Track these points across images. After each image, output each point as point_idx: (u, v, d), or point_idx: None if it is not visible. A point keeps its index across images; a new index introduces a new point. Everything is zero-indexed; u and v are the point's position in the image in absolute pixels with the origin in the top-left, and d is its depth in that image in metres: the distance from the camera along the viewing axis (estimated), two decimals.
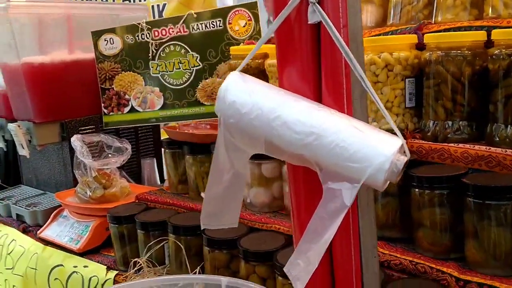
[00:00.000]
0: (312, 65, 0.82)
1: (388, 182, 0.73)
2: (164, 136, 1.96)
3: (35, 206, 1.91)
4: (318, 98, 0.81)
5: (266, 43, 1.55)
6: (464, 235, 1.00)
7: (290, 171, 0.84)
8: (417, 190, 1.07)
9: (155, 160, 2.12)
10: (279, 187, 1.36)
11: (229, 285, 1.08)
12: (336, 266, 0.88)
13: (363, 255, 0.84)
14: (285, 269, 0.80)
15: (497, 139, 1.07)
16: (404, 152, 0.72)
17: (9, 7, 1.74)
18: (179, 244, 1.31)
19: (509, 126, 1.07)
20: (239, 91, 0.78)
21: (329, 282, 0.88)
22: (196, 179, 1.54)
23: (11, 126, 1.91)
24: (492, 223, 0.94)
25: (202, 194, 1.52)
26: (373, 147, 0.70)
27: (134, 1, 4.14)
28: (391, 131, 0.77)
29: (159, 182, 2.09)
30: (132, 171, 2.08)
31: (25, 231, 1.84)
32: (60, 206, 1.81)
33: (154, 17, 4.77)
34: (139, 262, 1.37)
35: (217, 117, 1.53)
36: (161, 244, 1.38)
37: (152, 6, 4.82)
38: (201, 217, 0.85)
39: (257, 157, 1.06)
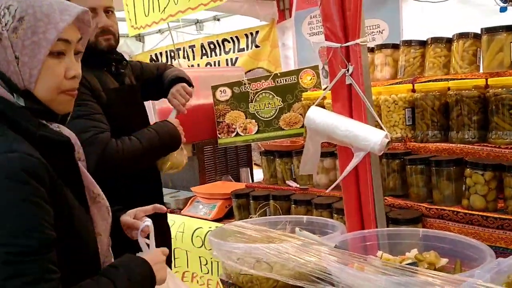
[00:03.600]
0: (347, 102, 1.78)
1: (383, 150, 1.66)
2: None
3: (174, 198, 2.95)
4: (350, 116, 1.77)
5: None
6: (431, 188, 1.92)
7: (339, 148, 1.80)
8: (408, 166, 2.00)
9: (248, 169, 3.13)
10: (334, 174, 2.32)
11: (309, 220, 2.04)
12: (362, 197, 1.80)
13: (375, 189, 1.77)
14: (328, 190, 1.75)
15: (452, 139, 1.99)
16: (387, 137, 1.66)
17: None
18: (277, 206, 2.29)
19: (459, 132, 1.98)
20: (315, 113, 1.76)
21: (358, 204, 1.81)
22: (282, 172, 2.52)
23: None
24: (442, 179, 1.86)
25: (287, 182, 2.49)
26: (374, 134, 1.65)
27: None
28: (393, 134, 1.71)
29: (250, 182, 3.09)
30: (233, 176, 3.11)
31: (171, 212, 2.87)
32: (193, 196, 2.83)
33: (228, 66, 5.89)
34: (252, 217, 2.34)
35: (293, 137, 2.62)
36: (264, 208, 2.36)
37: (227, 60, 5.97)
38: (300, 169, 1.83)
39: (321, 156, 2.02)
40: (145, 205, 1.89)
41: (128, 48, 6.20)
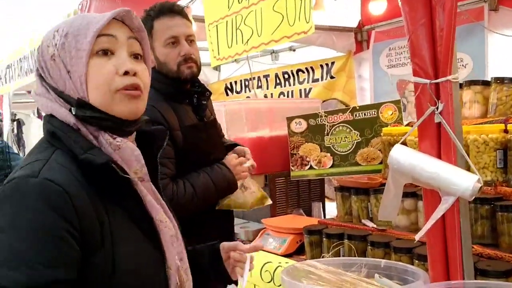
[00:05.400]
0: (435, 142, 1.67)
1: (474, 196, 1.53)
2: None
3: (244, 228, 2.91)
4: (438, 157, 1.66)
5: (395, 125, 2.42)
6: None
7: (424, 191, 1.69)
8: (499, 213, 1.84)
9: (321, 203, 3.04)
10: (415, 216, 2.18)
11: (387, 264, 1.92)
12: (448, 245, 1.67)
13: (463, 236, 1.63)
14: (416, 236, 1.63)
15: None
16: (479, 181, 1.53)
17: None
18: (352, 246, 2.18)
19: None
20: (400, 152, 1.67)
21: (444, 253, 1.68)
22: (358, 210, 2.42)
23: None
24: None
25: (363, 221, 2.38)
26: (465, 178, 1.52)
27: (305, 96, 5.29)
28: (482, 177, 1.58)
29: (323, 218, 2.99)
30: (305, 209, 3.03)
31: None
32: (263, 228, 2.78)
33: (301, 96, 5.86)
34: (324, 255, 2.25)
35: (370, 173, 2.50)
36: (338, 247, 2.26)
37: (300, 90, 5.96)
38: (379, 214, 1.73)
39: (402, 196, 1.90)
40: (215, 235, 1.87)
41: (205, 77, 6.36)
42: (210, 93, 2.06)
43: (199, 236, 1.54)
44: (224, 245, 1.36)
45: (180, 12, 1.95)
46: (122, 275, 1.00)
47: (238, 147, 2.11)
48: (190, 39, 1.96)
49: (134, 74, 1.07)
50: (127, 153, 1.08)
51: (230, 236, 2.22)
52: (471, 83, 2.33)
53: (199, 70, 1.99)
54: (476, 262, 1.75)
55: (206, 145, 1.98)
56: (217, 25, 2.67)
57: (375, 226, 2.28)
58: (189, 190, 1.88)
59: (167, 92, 1.93)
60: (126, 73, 1.05)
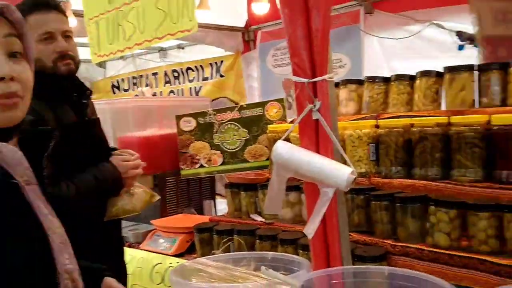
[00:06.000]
0: (314, 137, 1.77)
1: (349, 187, 1.65)
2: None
3: (133, 231, 2.85)
4: (317, 151, 1.76)
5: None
6: (396, 225, 1.92)
7: (305, 184, 1.78)
8: (373, 202, 1.99)
9: (212, 201, 3.07)
10: (299, 208, 2.29)
11: (274, 256, 1.99)
12: (328, 234, 1.78)
13: (341, 225, 1.75)
14: (304, 230, 1.72)
15: (415, 176, 2.01)
16: (353, 173, 1.65)
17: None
18: (241, 241, 2.23)
19: (422, 169, 2.00)
20: (282, 148, 1.74)
21: (324, 241, 1.78)
22: (247, 206, 2.48)
23: None
24: (406, 216, 1.86)
25: (251, 215, 2.44)
26: (340, 170, 1.63)
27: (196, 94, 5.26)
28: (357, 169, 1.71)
29: (214, 215, 3.02)
30: (197, 208, 3.03)
31: (129, 246, 2.76)
32: (153, 229, 2.74)
33: (191, 94, 5.84)
34: (215, 252, 2.27)
35: (258, 169, 2.57)
36: (228, 243, 2.29)
37: (190, 88, 5.94)
38: (265, 208, 1.79)
39: (287, 189, 1.99)
40: (105, 244, 1.79)
41: (89, 74, 6.08)
42: (91, 92, 1.98)
43: (87, 246, 1.46)
44: (106, 282, 1.31)
45: (56, 7, 1.86)
46: (8, 280, 0.96)
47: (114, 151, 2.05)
48: (66, 35, 1.87)
49: (11, 79, 1.00)
50: (8, 156, 1.01)
51: (120, 243, 2.15)
52: (347, 82, 2.49)
53: (77, 67, 1.91)
54: (353, 249, 1.88)
55: (88, 144, 1.89)
56: (97, 21, 2.57)
57: (263, 220, 2.36)
58: (71, 189, 1.79)
59: (43, 90, 1.82)
60: (1, 79, 0.97)
